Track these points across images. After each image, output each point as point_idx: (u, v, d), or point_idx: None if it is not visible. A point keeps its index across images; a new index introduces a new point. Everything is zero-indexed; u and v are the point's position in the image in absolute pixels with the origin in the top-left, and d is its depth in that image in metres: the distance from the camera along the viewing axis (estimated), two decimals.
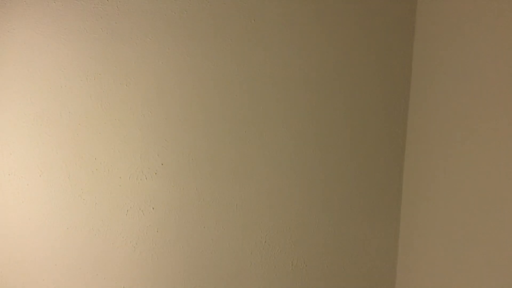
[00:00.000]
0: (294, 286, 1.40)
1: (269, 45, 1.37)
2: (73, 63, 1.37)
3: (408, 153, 1.37)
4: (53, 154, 1.38)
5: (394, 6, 1.37)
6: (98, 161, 1.38)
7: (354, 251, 1.39)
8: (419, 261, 1.25)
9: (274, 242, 1.40)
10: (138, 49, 1.37)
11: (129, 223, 1.38)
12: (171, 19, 1.37)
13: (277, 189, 1.39)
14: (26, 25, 1.36)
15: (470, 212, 0.99)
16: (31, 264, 1.39)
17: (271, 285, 1.40)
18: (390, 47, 1.37)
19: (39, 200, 1.38)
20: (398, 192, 1.39)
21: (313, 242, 1.40)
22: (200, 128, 1.38)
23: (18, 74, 1.37)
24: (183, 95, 1.38)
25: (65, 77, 1.37)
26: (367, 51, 1.37)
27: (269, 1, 1.37)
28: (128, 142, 1.38)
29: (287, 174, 1.39)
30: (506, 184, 0.86)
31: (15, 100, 1.37)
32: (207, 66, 1.38)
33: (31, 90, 1.37)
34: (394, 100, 1.38)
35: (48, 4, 1.36)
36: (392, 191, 1.39)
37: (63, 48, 1.37)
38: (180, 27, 1.37)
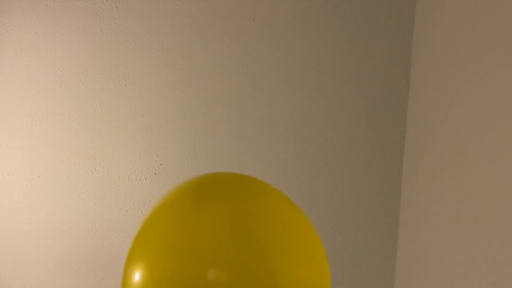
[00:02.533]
0: None
1: (269, 45, 1.37)
2: (72, 63, 1.37)
3: (407, 153, 1.37)
4: (52, 154, 1.37)
5: (393, 6, 1.36)
6: (97, 161, 1.38)
7: (353, 251, 1.39)
8: (418, 262, 1.25)
9: None
10: (137, 49, 1.37)
11: (128, 223, 1.38)
12: (170, 19, 1.37)
13: None
14: (24, 25, 1.36)
15: (470, 212, 0.99)
16: (30, 264, 1.39)
17: None
18: (389, 47, 1.37)
19: (38, 200, 1.38)
20: (397, 192, 1.39)
21: None
22: (199, 128, 1.38)
23: (17, 74, 1.37)
24: (182, 95, 1.38)
25: (64, 77, 1.37)
26: (366, 50, 1.37)
27: (268, 1, 1.37)
28: (127, 142, 1.38)
29: (286, 174, 1.39)
30: (506, 184, 0.86)
31: (14, 100, 1.37)
32: (207, 66, 1.37)
33: (29, 90, 1.37)
34: (393, 99, 1.38)
35: (47, 4, 1.36)
36: (392, 191, 1.39)
37: (61, 48, 1.36)
38: (180, 27, 1.37)
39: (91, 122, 1.37)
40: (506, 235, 0.85)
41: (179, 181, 1.38)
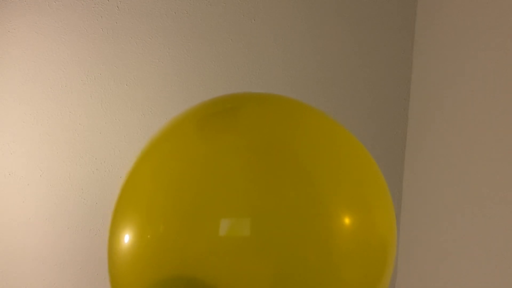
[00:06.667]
0: None
1: (270, 45, 1.37)
2: (73, 63, 1.37)
3: (409, 152, 1.37)
4: (53, 154, 1.38)
5: (395, 4, 1.36)
6: (99, 161, 1.38)
7: None
8: (419, 262, 1.24)
9: None
10: (139, 48, 1.37)
11: None
12: (171, 19, 1.37)
13: None
14: (26, 25, 1.36)
15: (472, 213, 0.98)
16: (31, 263, 1.39)
17: None
18: (390, 45, 1.37)
19: (39, 200, 1.38)
20: (398, 192, 1.39)
21: None
22: None
23: (18, 74, 1.37)
24: (183, 94, 1.37)
25: (65, 77, 1.37)
26: (368, 49, 1.37)
27: (269, 1, 1.37)
28: (129, 142, 1.38)
29: None
30: (508, 184, 0.86)
31: (16, 100, 1.37)
32: (208, 65, 1.37)
33: (31, 90, 1.37)
34: (394, 99, 1.37)
35: (49, 4, 1.36)
36: (393, 191, 1.39)
37: (63, 48, 1.37)
38: (181, 27, 1.37)
39: (93, 122, 1.37)
40: (508, 235, 0.85)
41: None
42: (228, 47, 1.37)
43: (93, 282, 1.39)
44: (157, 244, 0.44)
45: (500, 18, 0.92)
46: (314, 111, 0.54)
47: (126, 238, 0.47)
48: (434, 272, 1.15)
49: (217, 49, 1.37)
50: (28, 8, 1.36)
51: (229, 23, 1.37)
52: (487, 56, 0.96)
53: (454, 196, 1.07)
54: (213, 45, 1.37)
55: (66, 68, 1.37)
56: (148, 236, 0.45)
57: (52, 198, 1.38)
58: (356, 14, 1.36)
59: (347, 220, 0.44)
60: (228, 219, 0.41)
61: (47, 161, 1.38)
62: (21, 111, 1.37)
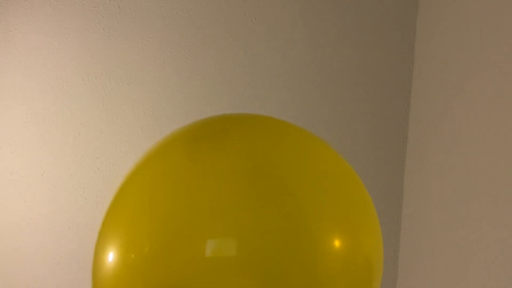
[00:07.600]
0: None
1: (271, 44, 1.37)
2: (74, 62, 1.37)
3: (410, 153, 1.37)
4: (54, 153, 1.38)
5: (396, 4, 1.36)
6: (100, 160, 1.38)
7: None
8: (420, 262, 1.25)
9: None
10: (140, 48, 1.37)
11: None
12: (172, 19, 1.37)
13: None
14: (27, 24, 1.36)
15: (473, 213, 0.99)
16: (32, 263, 1.39)
17: None
18: (391, 46, 1.37)
19: (40, 199, 1.38)
20: (399, 192, 1.39)
21: None
22: None
23: (19, 74, 1.37)
24: (184, 94, 1.38)
25: (66, 77, 1.37)
26: (369, 49, 1.37)
27: (269, 1, 1.37)
28: (130, 141, 1.38)
29: None
30: (509, 183, 0.86)
31: (17, 100, 1.37)
32: (209, 65, 1.38)
33: (32, 90, 1.37)
34: (395, 99, 1.38)
35: (49, 3, 1.36)
36: (393, 191, 1.39)
37: (64, 48, 1.37)
38: (182, 27, 1.37)
39: (94, 121, 1.37)
40: (509, 236, 0.85)
41: None
42: (228, 47, 1.37)
43: None
44: (141, 264, 0.44)
45: (503, 18, 0.92)
46: (303, 133, 0.57)
47: (110, 257, 0.48)
48: (434, 275, 1.15)
49: (218, 49, 1.37)
50: (28, 8, 1.36)
51: (229, 23, 1.37)
52: (490, 55, 0.96)
53: (455, 197, 1.07)
54: (213, 45, 1.37)
55: (67, 68, 1.37)
56: (132, 256, 0.45)
57: (53, 197, 1.38)
58: (357, 14, 1.37)
59: (333, 241, 0.46)
60: (214, 239, 0.42)
61: (48, 161, 1.38)
62: (22, 110, 1.37)
